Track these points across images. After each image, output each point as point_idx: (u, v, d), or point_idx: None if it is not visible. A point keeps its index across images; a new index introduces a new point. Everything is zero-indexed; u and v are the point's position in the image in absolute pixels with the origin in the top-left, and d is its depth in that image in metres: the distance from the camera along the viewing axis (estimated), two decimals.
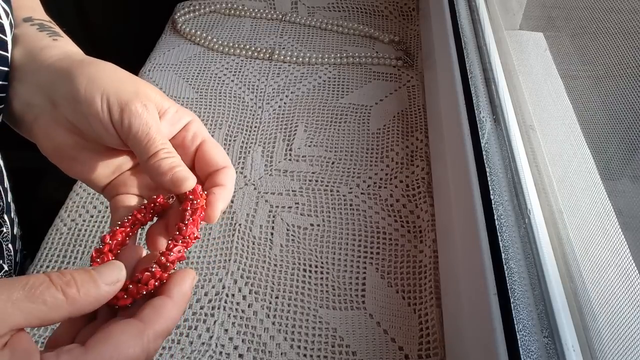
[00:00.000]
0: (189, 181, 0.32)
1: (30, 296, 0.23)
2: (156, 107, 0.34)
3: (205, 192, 0.33)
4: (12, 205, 0.47)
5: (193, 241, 0.31)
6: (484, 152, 0.46)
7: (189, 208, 0.31)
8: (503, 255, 0.39)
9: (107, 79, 0.33)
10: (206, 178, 0.34)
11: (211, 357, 0.45)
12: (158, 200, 0.34)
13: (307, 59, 0.74)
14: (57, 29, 0.40)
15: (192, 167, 0.35)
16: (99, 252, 0.30)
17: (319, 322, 0.47)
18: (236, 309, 0.48)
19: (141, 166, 0.33)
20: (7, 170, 0.44)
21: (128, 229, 0.32)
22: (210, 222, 0.32)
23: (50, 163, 0.35)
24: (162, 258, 0.29)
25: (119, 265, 0.27)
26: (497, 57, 0.57)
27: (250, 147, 0.63)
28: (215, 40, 0.76)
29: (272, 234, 0.54)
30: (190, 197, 0.32)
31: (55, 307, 0.24)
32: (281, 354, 0.45)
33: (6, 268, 0.46)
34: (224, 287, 0.50)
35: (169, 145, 0.33)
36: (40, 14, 0.41)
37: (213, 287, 0.50)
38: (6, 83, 0.35)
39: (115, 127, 0.32)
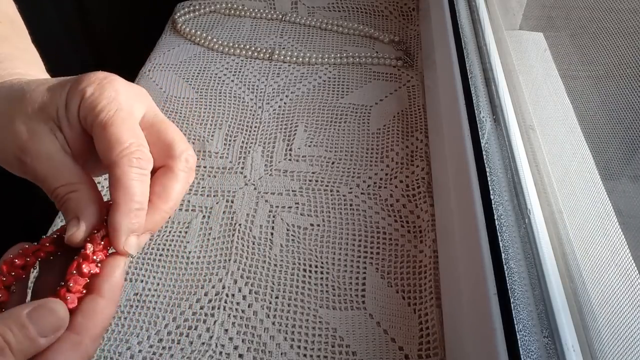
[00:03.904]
0: (75, 237, 0.27)
1: None
2: (52, 122, 0.29)
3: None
4: None
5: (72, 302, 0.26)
6: (484, 152, 0.46)
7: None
8: (503, 255, 0.39)
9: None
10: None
11: (211, 357, 0.45)
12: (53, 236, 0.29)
13: (307, 59, 0.74)
14: None
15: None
16: None
17: (319, 322, 0.47)
18: (236, 309, 0.48)
19: None
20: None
21: (42, 254, 0.28)
22: (126, 255, 0.28)
23: None
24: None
25: (57, 309, 0.24)
26: (497, 57, 0.57)
27: (250, 147, 0.63)
28: (215, 40, 0.76)
29: (272, 234, 0.54)
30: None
31: None
32: (281, 354, 0.46)
33: None
34: (224, 287, 0.50)
35: (73, 183, 0.29)
36: None
37: (213, 287, 0.50)
38: None
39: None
